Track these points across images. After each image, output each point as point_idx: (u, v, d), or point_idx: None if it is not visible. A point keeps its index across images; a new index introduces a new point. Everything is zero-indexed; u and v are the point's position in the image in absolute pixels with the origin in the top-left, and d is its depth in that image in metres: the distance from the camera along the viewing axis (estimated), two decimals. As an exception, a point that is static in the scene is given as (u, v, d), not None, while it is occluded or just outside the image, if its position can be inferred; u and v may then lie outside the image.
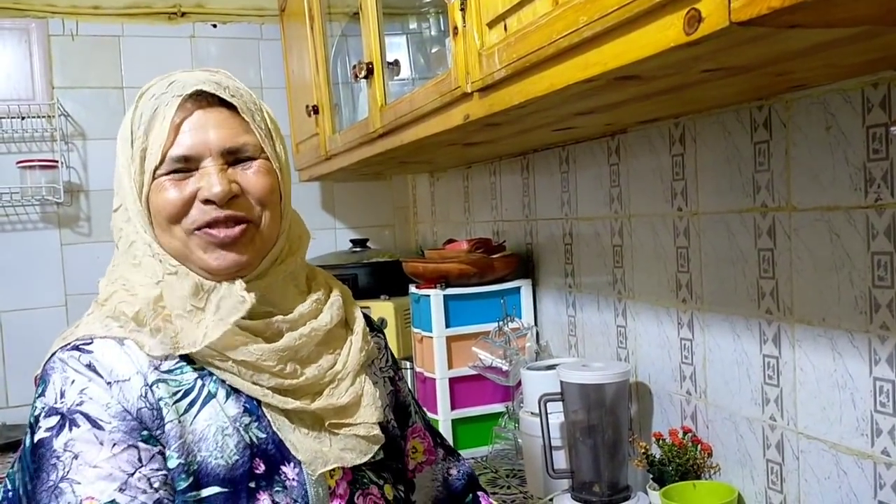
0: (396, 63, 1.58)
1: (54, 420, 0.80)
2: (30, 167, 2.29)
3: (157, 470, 0.80)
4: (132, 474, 0.78)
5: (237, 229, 0.87)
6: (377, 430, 0.91)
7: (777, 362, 1.17)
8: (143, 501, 0.78)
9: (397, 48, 1.84)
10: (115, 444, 0.79)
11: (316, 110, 2.06)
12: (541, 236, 1.89)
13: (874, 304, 1.00)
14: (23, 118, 2.35)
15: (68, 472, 0.77)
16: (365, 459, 0.90)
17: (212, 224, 0.86)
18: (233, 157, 0.87)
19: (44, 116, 2.37)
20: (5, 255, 2.38)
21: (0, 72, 2.36)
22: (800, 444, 1.14)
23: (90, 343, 0.85)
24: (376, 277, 2.37)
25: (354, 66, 1.57)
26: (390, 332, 2.20)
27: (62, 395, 0.81)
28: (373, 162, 1.82)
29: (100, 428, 0.80)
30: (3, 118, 2.33)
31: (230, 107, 0.87)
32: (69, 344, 0.85)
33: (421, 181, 2.71)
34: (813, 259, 1.09)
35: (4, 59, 2.37)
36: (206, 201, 0.85)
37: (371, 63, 1.54)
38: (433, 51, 1.58)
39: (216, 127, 0.86)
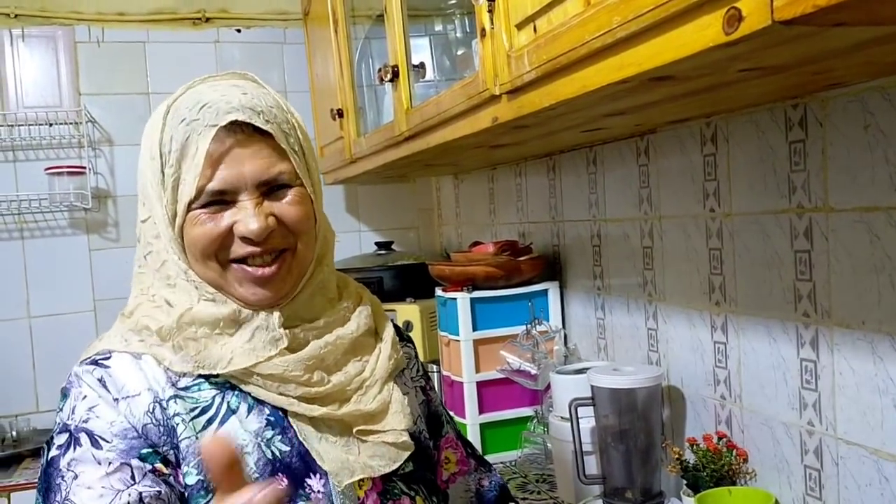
0: (422, 66, 1.57)
1: (64, 438, 0.81)
2: (57, 173, 2.31)
3: (150, 487, 0.78)
4: (121, 492, 0.77)
5: (274, 266, 0.86)
6: (406, 437, 0.89)
7: (815, 366, 1.14)
8: None
9: (421, 50, 1.83)
10: (110, 463, 0.79)
11: (340, 114, 2.05)
12: (568, 238, 1.87)
13: (917, 306, 0.97)
14: (50, 125, 2.38)
15: (69, 492, 0.77)
16: (394, 467, 0.88)
17: (248, 258, 0.85)
18: (267, 188, 0.85)
19: (71, 123, 2.39)
20: (34, 261, 2.40)
21: (27, 79, 2.39)
22: (839, 449, 1.11)
23: (108, 358, 0.85)
24: (402, 280, 2.36)
25: (380, 69, 1.56)
26: (416, 336, 2.19)
27: (73, 412, 0.82)
28: (398, 165, 1.81)
29: (98, 447, 0.79)
30: (31, 125, 2.36)
31: (264, 132, 0.84)
32: (88, 358, 0.85)
33: (445, 183, 2.69)
34: (852, 261, 1.06)
35: (32, 66, 2.39)
36: (244, 238, 0.84)
37: (396, 66, 1.53)
38: (459, 53, 1.57)
39: (251, 158, 0.83)
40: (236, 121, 0.82)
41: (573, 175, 1.81)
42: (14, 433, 2.31)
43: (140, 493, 0.77)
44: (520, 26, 1.02)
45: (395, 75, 1.52)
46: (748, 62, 0.78)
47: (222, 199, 0.83)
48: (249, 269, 0.85)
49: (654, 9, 0.72)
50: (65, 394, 0.84)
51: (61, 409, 0.83)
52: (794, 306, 1.17)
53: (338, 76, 2.07)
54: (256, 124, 0.83)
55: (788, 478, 1.21)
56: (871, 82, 1.00)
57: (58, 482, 0.78)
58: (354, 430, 0.87)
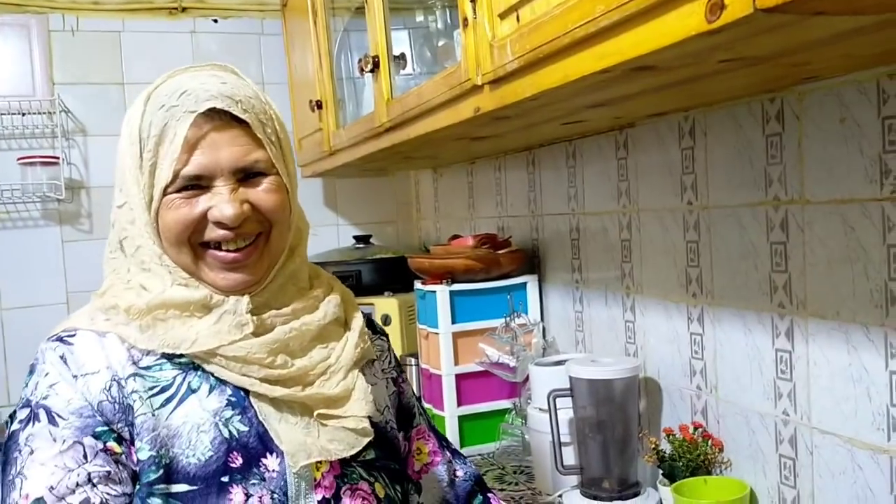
0: (402, 56, 1.57)
1: (25, 413, 0.83)
2: (31, 164, 2.28)
3: (101, 466, 0.80)
4: (72, 471, 0.79)
5: (245, 251, 0.87)
6: (366, 424, 0.90)
7: (790, 356, 1.16)
8: (68, 502, 0.78)
9: (400, 43, 1.82)
10: (64, 441, 0.81)
11: (319, 105, 2.05)
12: (547, 231, 1.88)
13: (890, 297, 0.99)
14: (23, 114, 2.34)
15: (23, 467, 0.80)
16: (352, 452, 0.88)
17: (221, 243, 0.86)
18: (243, 174, 0.86)
19: (44, 113, 2.36)
20: (6, 253, 2.36)
21: (0, 68, 2.35)
22: (814, 438, 1.13)
23: (73, 335, 0.87)
24: (380, 274, 2.36)
25: (360, 60, 1.56)
26: (394, 329, 2.19)
27: (35, 388, 0.84)
28: (378, 157, 1.80)
29: (55, 424, 0.81)
30: (4, 114, 2.32)
31: (242, 121, 0.86)
32: (55, 335, 0.87)
33: (424, 177, 2.69)
34: (827, 252, 1.08)
35: (5, 54, 2.36)
36: (218, 223, 0.85)
37: (377, 56, 1.52)
38: (440, 44, 1.57)
39: (229, 145, 0.85)
40: (214, 108, 0.84)
41: (552, 169, 1.82)
42: (-15, 427, 2.28)
43: (89, 473, 0.80)
44: (503, 16, 1.02)
45: (376, 66, 1.52)
46: (729, 52, 0.79)
47: (198, 185, 0.85)
48: (221, 254, 0.87)
49: (638, -3, 0.73)
50: (31, 370, 0.86)
51: (27, 385, 0.85)
52: (770, 297, 1.18)
53: (317, 68, 2.06)
54: (234, 112, 0.84)
55: (763, 467, 1.23)
56: (847, 76, 1.02)
57: (15, 455, 0.81)
58: (315, 414, 0.88)
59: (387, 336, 1.10)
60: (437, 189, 2.59)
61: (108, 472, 0.80)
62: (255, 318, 0.87)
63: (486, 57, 1.06)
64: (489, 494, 1.10)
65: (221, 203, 0.84)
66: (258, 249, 0.88)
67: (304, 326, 0.90)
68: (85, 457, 0.80)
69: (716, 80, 0.97)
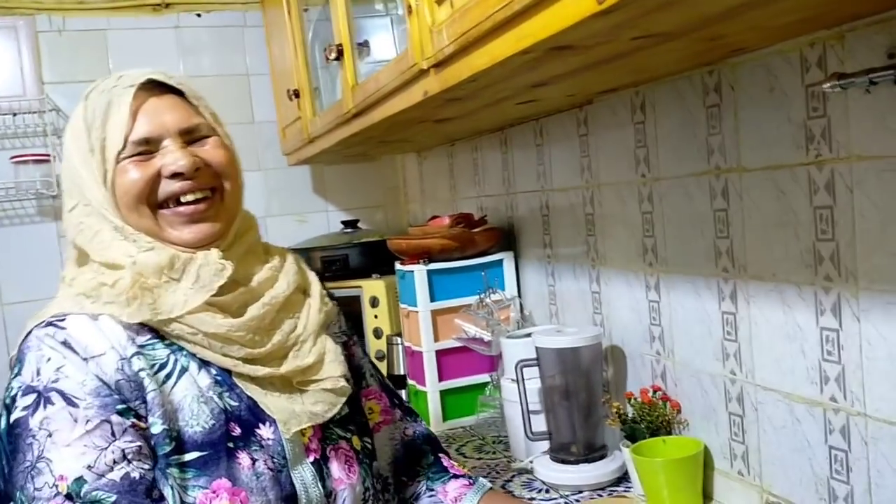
0: (366, 44, 1.61)
1: (31, 398, 0.82)
2: (23, 162, 2.35)
3: (131, 442, 0.82)
4: (105, 449, 0.81)
5: (204, 203, 0.93)
6: (343, 383, 0.97)
7: (734, 318, 1.21)
8: (110, 479, 0.80)
9: (383, 29, 1.86)
10: (88, 421, 0.81)
11: (297, 94, 2.09)
12: (521, 209, 1.93)
13: (818, 256, 1.04)
14: (14, 114, 2.40)
15: (43, 451, 0.79)
16: (336, 410, 0.96)
17: (180, 196, 0.92)
18: (189, 137, 0.94)
19: (35, 112, 2.42)
20: (5, 250, 2.44)
21: (-10, 69, 2.41)
22: (757, 395, 1.18)
23: (63, 319, 0.87)
24: (367, 257, 2.41)
25: (325, 49, 1.61)
26: (382, 310, 2.24)
27: (38, 373, 0.83)
28: (352, 142, 1.85)
29: (74, 405, 0.81)
30: (-5, 115, 2.39)
31: (178, 93, 0.94)
32: (43, 321, 0.88)
33: (410, 161, 2.74)
34: (762, 217, 1.13)
35: (-6, 57, 2.42)
36: (174, 175, 0.91)
37: (341, 45, 1.57)
38: (402, 28, 1.61)
39: (170, 110, 0.93)
40: (152, 80, 0.92)
41: (523, 148, 1.87)
42: (-9, 418, 2.36)
43: (123, 450, 0.82)
44: (439, 2, 1.06)
45: (340, 54, 1.57)
46: (635, 30, 0.83)
47: (148, 150, 0.91)
48: (181, 208, 0.92)
49: (542, -19, 0.77)
50: (21, 359, 0.85)
51: (19, 374, 0.84)
52: (715, 263, 1.23)
53: (293, 57, 2.11)
54: (170, 83, 0.94)
55: (716, 425, 1.28)
56: (773, 47, 1.06)
57: (28, 442, 0.80)
58: (295, 382, 0.95)
59: (335, 300, 1.15)
60: (421, 172, 2.64)
61: (140, 447, 0.83)
62: (230, 262, 0.92)
63: (428, 42, 1.11)
64: (440, 455, 1.16)
65: (174, 157, 0.91)
66: (214, 204, 0.94)
67: (273, 300, 0.96)
68: (113, 434, 0.82)
69: (642, 56, 1.01)
